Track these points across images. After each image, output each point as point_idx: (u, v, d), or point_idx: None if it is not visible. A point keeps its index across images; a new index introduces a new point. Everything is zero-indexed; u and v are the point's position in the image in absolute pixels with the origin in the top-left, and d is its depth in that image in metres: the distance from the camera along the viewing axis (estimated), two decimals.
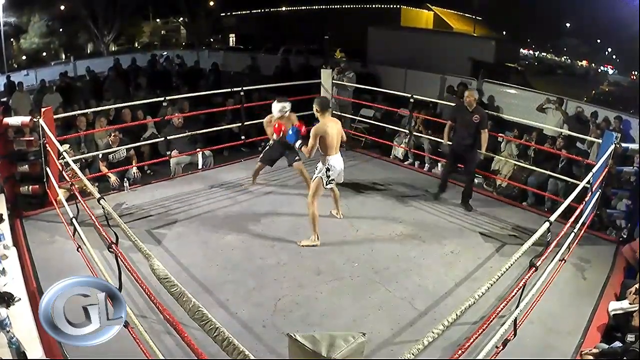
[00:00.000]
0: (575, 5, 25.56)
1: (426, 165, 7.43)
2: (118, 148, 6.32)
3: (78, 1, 21.72)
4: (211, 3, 27.53)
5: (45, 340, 2.98)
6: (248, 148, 7.72)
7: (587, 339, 3.58)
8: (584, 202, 4.41)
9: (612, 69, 29.31)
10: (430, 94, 9.12)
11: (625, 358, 3.14)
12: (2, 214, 4.62)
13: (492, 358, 2.96)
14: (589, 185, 4.54)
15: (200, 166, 6.94)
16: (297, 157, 5.76)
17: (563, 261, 4.18)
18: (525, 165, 6.40)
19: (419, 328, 3.61)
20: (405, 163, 7.57)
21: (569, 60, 32.66)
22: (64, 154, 4.60)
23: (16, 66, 20.90)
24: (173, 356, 3.14)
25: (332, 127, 4.65)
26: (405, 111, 7.80)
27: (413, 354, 1.91)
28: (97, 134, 7.00)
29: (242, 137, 7.39)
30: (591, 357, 3.31)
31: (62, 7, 23.59)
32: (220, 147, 7.36)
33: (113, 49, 24.63)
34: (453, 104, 7.99)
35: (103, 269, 3.51)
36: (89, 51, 25.37)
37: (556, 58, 33.64)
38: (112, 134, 6.29)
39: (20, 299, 3.38)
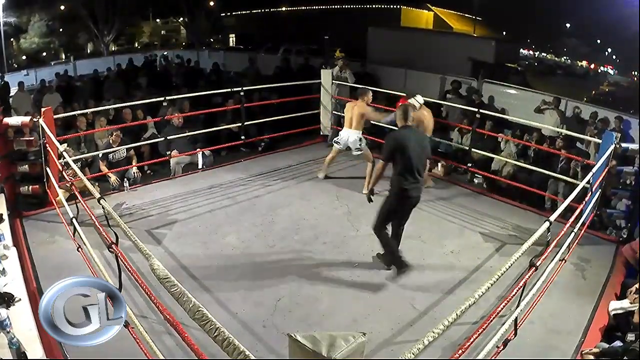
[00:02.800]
0: (575, 5, 25.58)
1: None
2: (118, 148, 6.31)
3: (78, 1, 21.73)
4: (211, 3, 27.52)
5: (45, 340, 2.98)
6: (248, 148, 7.73)
7: (587, 338, 3.59)
8: (584, 202, 4.41)
9: (612, 69, 29.33)
10: (430, 94, 9.11)
11: (625, 357, 3.14)
12: (2, 214, 4.62)
13: (493, 358, 2.96)
14: (589, 185, 4.54)
15: (200, 166, 6.93)
16: None
17: (563, 261, 4.18)
18: (525, 165, 6.39)
19: (419, 328, 3.61)
20: None
21: (569, 60, 32.67)
22: (64, 153, 4.60)
23: (16, 66, 20.91)
24: (173, 356, 3.14)
25: (346, 109, 6.26)
26: None
27: (413, 354, 1.91)
28: (97, 134, 7.00)
29: (242, 137, 7.40)
30: (592, 357, 3.31)
31: (62, 7, 23.60)
32: (220, 147, 7.36)
33: (113, 49, 24.63)
34: (457, 105, 8.02)
35: (103, 269, 3.51)
36: (89, 51, 25.38)
37: (556, 58, 33.65)
38: (114, 134, 6.28)
39: (20, 299, 3.38)
